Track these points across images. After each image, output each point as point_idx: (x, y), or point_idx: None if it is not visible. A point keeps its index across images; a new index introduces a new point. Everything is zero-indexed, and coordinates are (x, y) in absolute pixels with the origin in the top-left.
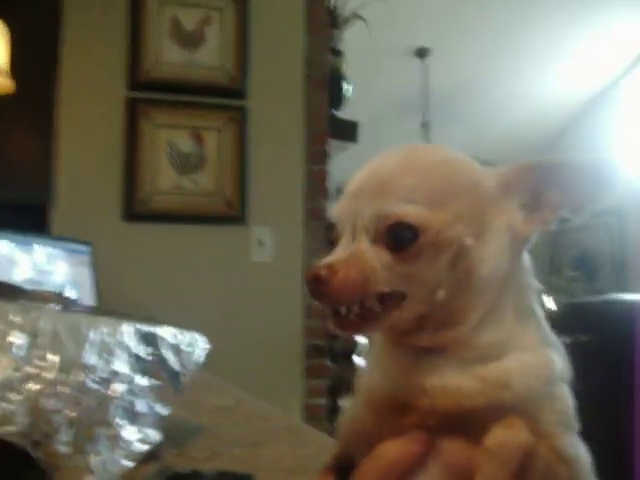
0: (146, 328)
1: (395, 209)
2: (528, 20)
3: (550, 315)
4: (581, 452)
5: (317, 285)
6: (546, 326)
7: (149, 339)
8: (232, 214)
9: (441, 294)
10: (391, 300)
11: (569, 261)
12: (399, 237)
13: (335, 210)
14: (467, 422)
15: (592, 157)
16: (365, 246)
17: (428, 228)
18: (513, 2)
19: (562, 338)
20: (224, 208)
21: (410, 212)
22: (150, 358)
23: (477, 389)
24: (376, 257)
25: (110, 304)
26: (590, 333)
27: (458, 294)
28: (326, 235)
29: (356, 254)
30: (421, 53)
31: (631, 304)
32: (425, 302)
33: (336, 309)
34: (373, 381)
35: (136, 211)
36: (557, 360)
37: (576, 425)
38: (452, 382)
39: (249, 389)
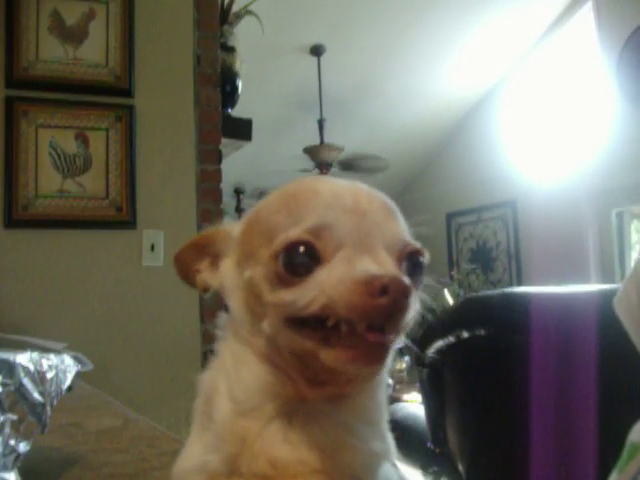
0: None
1: (410, 239)
2: (419, 18)
3: (448, 310)
4: None
5: (396, 299)
6: None
7: (4, 368)
8: (121, 218)
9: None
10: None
11: (466, 254)
12: (418, 266)
13: (324, 220)
14: None
15: None
16: (394, 265)
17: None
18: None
19: (461, 332)
20: (113, 212)
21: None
22: (5, 390)
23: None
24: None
25: None
26: (488, 327)
27: None
28: (289, 252)
29: (398, 272)
30: (316, 51)
31: (529, 297)
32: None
33: (376, 326)
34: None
35: (17, 217)
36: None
37: None
38: (310, 458)
39: (146, 398)
